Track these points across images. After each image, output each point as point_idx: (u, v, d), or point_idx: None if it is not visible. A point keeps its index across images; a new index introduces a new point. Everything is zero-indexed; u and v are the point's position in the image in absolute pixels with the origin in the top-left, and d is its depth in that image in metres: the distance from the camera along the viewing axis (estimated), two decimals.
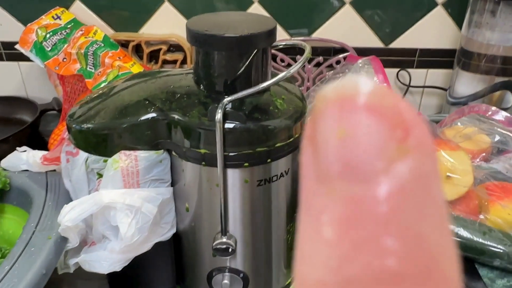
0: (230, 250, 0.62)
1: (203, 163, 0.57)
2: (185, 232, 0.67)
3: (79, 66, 1.07)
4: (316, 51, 1.18)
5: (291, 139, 0.59)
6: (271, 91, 0.61)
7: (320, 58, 1.17)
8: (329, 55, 1.18)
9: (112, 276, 0.74)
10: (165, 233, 0.64)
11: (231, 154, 0.56)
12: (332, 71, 1.12)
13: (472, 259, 0.79)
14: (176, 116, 0.56)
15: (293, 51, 1.17)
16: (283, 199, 0.64)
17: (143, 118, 0.57)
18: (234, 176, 0.58)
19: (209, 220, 0.62)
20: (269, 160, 0.58)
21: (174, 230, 0.66)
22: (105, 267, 0.57)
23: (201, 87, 0.59)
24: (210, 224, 0.63)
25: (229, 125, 0.54)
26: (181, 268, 0.72)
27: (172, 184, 0.62)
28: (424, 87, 1.24)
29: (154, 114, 0.57)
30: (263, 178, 0.59)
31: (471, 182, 0.79)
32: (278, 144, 0.57)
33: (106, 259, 0.57)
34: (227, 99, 0.53)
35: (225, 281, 0.65)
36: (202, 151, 0.56)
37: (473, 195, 0.80)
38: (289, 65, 1.18)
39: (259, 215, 0.63)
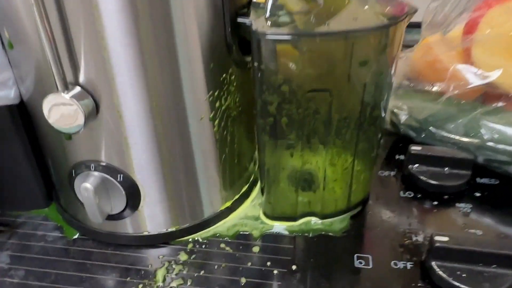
0: (77, 119, 0.33)
1: None
2: (32, 100, 0.38)
3: None
4: None
5: None
6: None
7: None
8: None
9: None
10: None
11: None
12: None
13: None
14: None
15: None
16: (193, 30, 0.34)
17: None
18: None
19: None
20: None
21: (10, 95, 0.38)
22: None
23: None
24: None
25: None
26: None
27: None
28: None
29: None
30: None
31: None
32: None
33: None
34: None
35: (86, 184, 0.36)
36: None
37: None
38: None
39: (144, 60, 0.33)
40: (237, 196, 0.45)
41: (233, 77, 0.38)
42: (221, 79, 0.37)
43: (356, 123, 0.38)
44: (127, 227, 0.41)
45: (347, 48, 0.34)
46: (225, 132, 0.40)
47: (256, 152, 0.49)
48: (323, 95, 0.35)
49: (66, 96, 0.32)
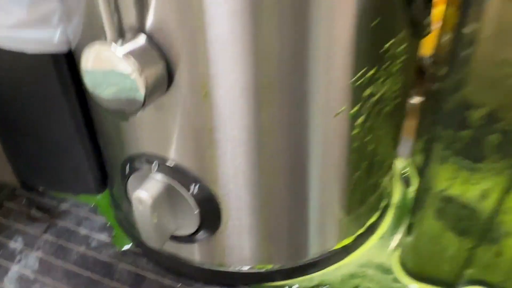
0: (134, 91, 0.19)
1: None
2: (80, 50, 0.25)
3: None
4: None
5: None
6: None
7: None
8: None
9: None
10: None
11: None
12: None
13: None
14: None
15: None
16: None
17: None
18: None
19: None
20: None
21: (54, 37, 0.25)
22: None
23: None
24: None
25: None
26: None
27: None
28: None
29: None
30: None
31: None
32: None
33: None
34: None
35: (142, 193, 0.23)
36: None
37: None
38: None
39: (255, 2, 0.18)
40: (361, 230, 0.30)
41: (401, 47, 0.22)
42: (384, 49, 0.21)
43: None
44: (196, 253, 0.28)
45: None
46: (367, 138, 0.24)
47: (394, 161, 0.33)
48: None
49: (118, 50, 0.18)
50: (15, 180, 0.37)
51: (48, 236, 0.32)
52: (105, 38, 0.18)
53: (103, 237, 0.32)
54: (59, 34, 0.26)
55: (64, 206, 0.35)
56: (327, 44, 0.20)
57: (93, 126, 0.31)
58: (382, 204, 0.32)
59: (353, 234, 0.30)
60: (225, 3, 0.18)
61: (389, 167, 0.32)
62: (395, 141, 0.29)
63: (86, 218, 0.34)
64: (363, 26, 0.20)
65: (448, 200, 0.25)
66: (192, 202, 0.24)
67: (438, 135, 0.21)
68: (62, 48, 0.27)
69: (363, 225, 0.30)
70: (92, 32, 0.23)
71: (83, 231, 0.33)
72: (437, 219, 0.26)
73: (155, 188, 0.23)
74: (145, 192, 0.23)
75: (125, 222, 0.32)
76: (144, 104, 0.19)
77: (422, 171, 0.27)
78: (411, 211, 0.29)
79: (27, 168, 0.37)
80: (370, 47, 0.21)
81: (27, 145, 0.35)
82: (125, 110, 0.20)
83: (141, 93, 0.19)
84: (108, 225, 0.33)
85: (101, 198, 0.35)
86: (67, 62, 0.28)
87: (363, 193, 0.28)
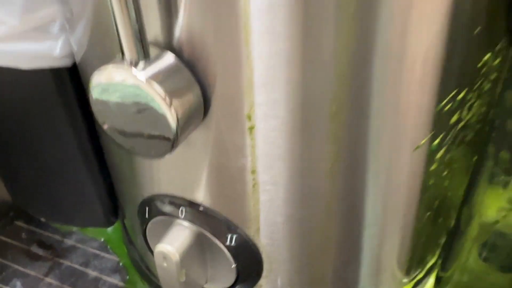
0: (161, 128, 0.14)
1: None
2: (87, 66, 0.20)
3: None
4: None
5: None
6: None
7: None
8: None
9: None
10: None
11: None
12: None
13: None
14: None
15: None
16: None
17: None
18: None
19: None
20: None
21: (55, 49, 0.21)
22: None
23: None
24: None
25: None
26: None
27: None
28: None
29: None
30: None
31: None
32: None
33: None
34: None
35: (167, 248, 0.18)
36: None
37: None
38: None
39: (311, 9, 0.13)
40: (420, 275, 0.25)
41: (496, 61, 0.17)
42: (480, 64, 0.17)
43: None
44: None
45: None
46: (444, 173, 0.20)
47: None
48: None
49: (140, 74, 0.14)
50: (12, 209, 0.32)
51: (51, 280, 0.28)
52: (121, 57, 0.14)
53: (115, 279, 0.28)
54: (60, 46, 0.21)
55: (69, 241, 0.30)
56: (412, 58, 0.15)
57: (102, 149, 0.27)
58: (442, 241, 0.27)
59: (413, 280, 0.25)
60: (279, 8, 0.13)
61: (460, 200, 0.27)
62: (469, 171, 0.24)
63: (96, 256, 0.29)
64: (462, 34, 0.15)
65: (500, 235, 0.21)
66: (228, 254, 0.19)
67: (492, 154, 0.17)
68: (64, 62, 0.22)
69: (423, 269, 0.25)
70: (102, 42, 0.18)
71: (91, 272, 0.28)
72: (482, 258, 0.22)
73: (183, 239, 0.19)
74: (170, 246, 0.18)
75: (141, 262, 0.27)
76: (175, 143, 0.15)
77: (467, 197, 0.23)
78: (447, 244, 0.25)
79: (26, 195, 0.32)
80: (467, 61, 0.16)
81: (26, 170, 0.30)
82: (149, 153, 0.15)
83: (171, 128, 0.14)
84: (121, 263, 0.28)
85: (112, 232, 0.31)
86: (71, 78, 0.23)
87: (430, 234, 0.23)
